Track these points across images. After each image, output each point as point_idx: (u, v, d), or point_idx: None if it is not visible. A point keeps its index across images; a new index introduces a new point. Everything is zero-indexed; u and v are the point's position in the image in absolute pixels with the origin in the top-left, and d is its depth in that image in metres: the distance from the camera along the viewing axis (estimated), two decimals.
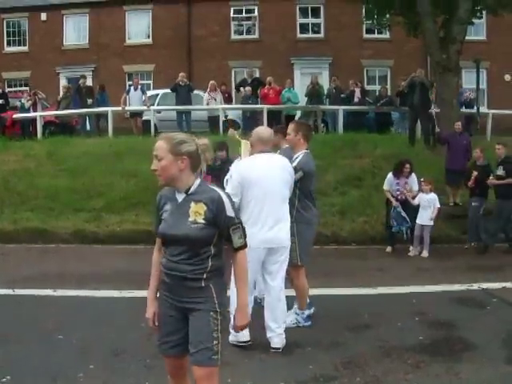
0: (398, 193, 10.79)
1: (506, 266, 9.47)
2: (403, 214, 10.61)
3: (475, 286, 8.13)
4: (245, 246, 3.57)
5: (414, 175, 10.94)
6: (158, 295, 3.67)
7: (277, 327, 5.79)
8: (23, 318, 6.65)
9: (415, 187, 10.88)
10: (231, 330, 5.74)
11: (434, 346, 5.81)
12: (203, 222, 3.43)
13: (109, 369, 5.14)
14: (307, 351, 5.72)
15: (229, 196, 3.58)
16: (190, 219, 3.43)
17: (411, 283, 8.37)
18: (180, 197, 3.51)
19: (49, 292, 7.83)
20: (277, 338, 5.79)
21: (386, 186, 10.95)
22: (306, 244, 6.37)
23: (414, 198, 10.83)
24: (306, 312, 6.48)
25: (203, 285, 3.46)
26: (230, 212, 3.49)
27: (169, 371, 3.71)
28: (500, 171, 10.89)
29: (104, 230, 11.42)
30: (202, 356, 3.40)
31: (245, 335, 5.69)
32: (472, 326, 6.39)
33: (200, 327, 3.43)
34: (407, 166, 10.84)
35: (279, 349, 5.77)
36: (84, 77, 20.52)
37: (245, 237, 3.57)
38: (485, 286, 8.15)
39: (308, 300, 6.61)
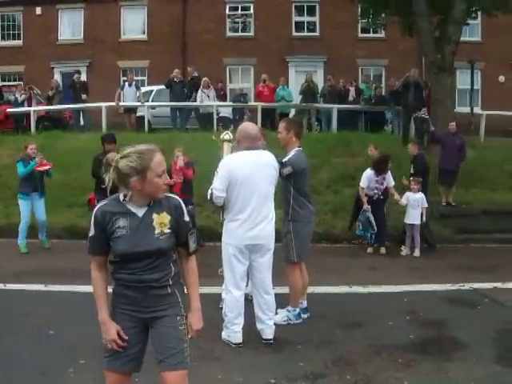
0: (375, 191, 10.75)
1: (497, 266, 9.50)
2: (371, 218, 10.55)
3: (466, 286, 8.15)
4: (198, 250, 3.57)
5: (389, 171, 10.92)
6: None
7: (267, 318, 5.83)
8: (14, 313, 6.64)
9: (392, 183, 10.88)
10: (225, 327, 5.76)
11: (424, 344, 5.83)
12: (169, 231, 3.38)
13: (99, 364, 5.11)
14: (298, 348, 5.73)
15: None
16: (157, 231, 3.34)
17: (403, 282, 8.39)
18: (140, 211, 3.37)
19: (40, 287, 7.83)
20: (268, 330, 5.82)
21: (363, 184, 10.69)
22: (302, 241, 6.38)
23: (392, 194, 10.90)
24: (298, 310, 6.50)
25: (170, 291, 3.41)
26: (186, 217, 3.48)
27: None
28: (412, 169, 11.39)
29: None
30: (175, 359, 3.33)
31: (238, 338, 5.72)
32: (463, 326, 6.41)
33: (169, 332, 3.38)
34: (389, 162, 10.86)
35: (270, 340, 5.80)
36: (78, 72, 20.48)
37: (198, 241, 3.57)
38: (476, 285, 8.17)
39: (305, 304, 6.65)
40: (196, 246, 3.54)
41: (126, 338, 3.38)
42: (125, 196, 3.39)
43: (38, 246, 10.46)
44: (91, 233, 3.41)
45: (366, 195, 10.66)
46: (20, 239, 10.35)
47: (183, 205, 3.49)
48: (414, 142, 12.06)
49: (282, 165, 6.09)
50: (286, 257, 6.39)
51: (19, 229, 10.36)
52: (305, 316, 6.60)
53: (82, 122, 19.60)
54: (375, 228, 10.59)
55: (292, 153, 6.33)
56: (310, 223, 6.53)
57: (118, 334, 3.37)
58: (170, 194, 3.53)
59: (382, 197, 10.82)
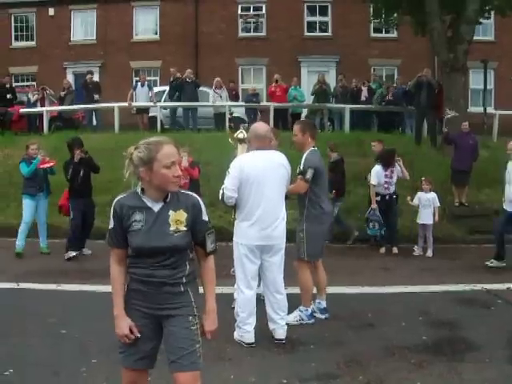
0: (386, 186, 10.73)
1: (511, 267, 9.43)
2: (380, 217, 10.56)
3: (479, 287, 8.11)
4: (216, 250, 3.52)
5: (396, 164, 10.91)
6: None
7: (279, 318, 5.83)
8: (27, 312, 6.67)
9: (399, 175, 10.92)
10: (237, 327, 5.76)
11: (437, 345, 5.80)
12: (185, 229, 3.35)
13: (111, 363, 5.13)
14: (310, 349, 5.72)
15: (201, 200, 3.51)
16: (172, 228, 3.32)
17: (415, 283, 8.35)
18: (156, 206, 3.36)
19: (53, 286, 7.87)
20: (280, 330, 5.82)
21: (374, 181, 10.66)
22: (314, 241, 6.38)
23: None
24: (310, 309, 6.49)
25: (182, 290, 3.38)
26: (205, 216, 3.45)
27: None
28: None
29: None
30: (186, 361, 3.30)
31: (250, 337, 5.72)
32: (475, 327, 6.38)
33: (181, 333, 3.34)
34: (396, 155, 10.86)
35: (283, 340, 5.80)
36: (91, 72, 20.55)
37: (216, 241, 3.52)
38: (489, 286, 8.12)
39: (324, 304, 6.68)
40: (214, 246, 3.50)
41: (138, 334, 3.37)
42: (142, 190, 3.40)
43: (50, 245, 10.49)
44: (110, 225, 3.45)
45: (378, 194, 10.65)
46: (19, 240, 10.06)
47: (202, 203, 3.46)
48: (378, 141, 11.74)
49: (301, 173, 6.14)
50: (297, 253, 6.40)
51: (19, 229, 10.13)
52: (323, 317, 6.59)
53: (94, 123, 19.68)
54: (384, 224, 10.60)
55: (305, 154, 6.33)
56: (323, 224, 6.51)
57: (130, 330, 3.37)
58: (190, 192, 3.49)
59: (394, 196, 10.81)
